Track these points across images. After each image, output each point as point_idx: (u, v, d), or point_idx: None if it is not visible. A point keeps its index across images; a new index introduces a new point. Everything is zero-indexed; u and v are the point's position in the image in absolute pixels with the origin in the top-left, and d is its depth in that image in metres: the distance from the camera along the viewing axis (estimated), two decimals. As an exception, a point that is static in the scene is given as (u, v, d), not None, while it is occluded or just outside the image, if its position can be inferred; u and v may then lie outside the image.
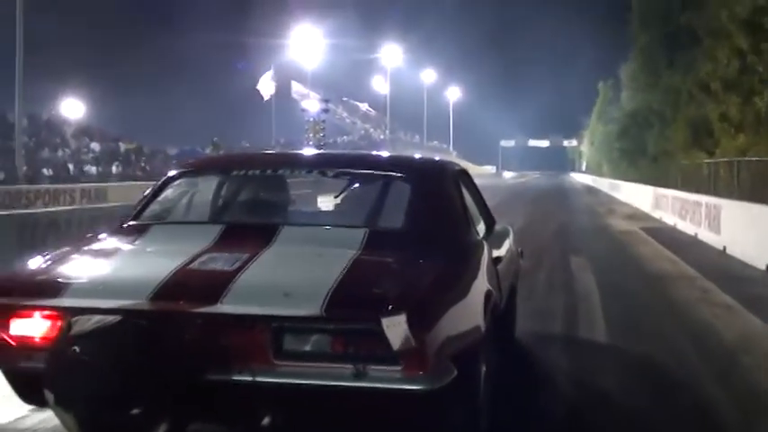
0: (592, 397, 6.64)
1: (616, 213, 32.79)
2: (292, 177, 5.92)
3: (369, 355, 3.82)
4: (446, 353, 4.01)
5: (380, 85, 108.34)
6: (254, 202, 5.72)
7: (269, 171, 5.88)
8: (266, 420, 3.97)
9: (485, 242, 5.89)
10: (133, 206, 5.61)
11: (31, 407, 5.68)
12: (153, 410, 3.73)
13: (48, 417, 5.67)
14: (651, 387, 6.89)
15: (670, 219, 26.37)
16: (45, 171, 41.16)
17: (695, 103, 33.02)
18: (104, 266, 4.52)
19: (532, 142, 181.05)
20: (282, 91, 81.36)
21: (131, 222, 5.37)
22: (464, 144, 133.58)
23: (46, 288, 4.20)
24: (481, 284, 5.14)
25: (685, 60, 36.72)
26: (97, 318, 3.74)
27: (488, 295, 5.18)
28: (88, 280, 4.29)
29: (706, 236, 19.92)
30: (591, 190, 65.68)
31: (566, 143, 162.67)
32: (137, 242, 4.95)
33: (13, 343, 4.18)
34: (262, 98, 68.58)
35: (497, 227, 6.98)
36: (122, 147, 52.57)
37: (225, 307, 3.88)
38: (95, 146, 50.27)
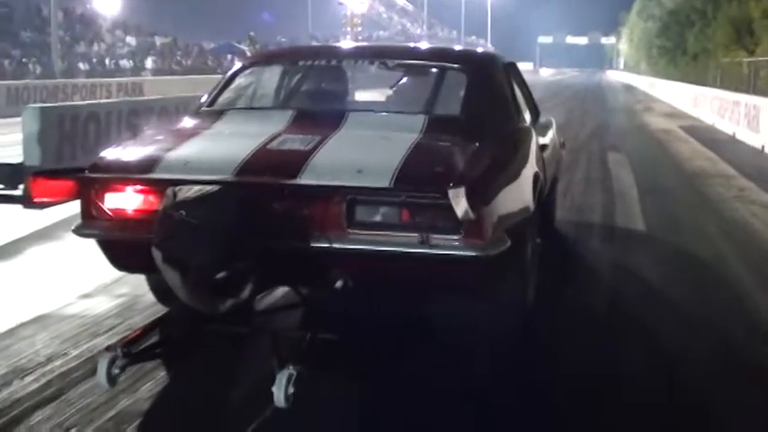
0: (631, 287, 6.74)
1: (654, 111, 32.49)
2: (354, 68, 6.30)
3: (432, 225, 4.19)
4: (500, 225, 4.46)
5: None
6: (320, 90, 6.17)
7: (334, 62, 6.24)
8: (339, 284, 4.39)
9: (532, 129, 6.32)
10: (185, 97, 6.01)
11: (77, 294, 6.15)
12: (244, 271, 4.17)
13: (92, 305, 5.99)
14: (689, 281, 6.99)
15: (708, 118, 26.12)
16: (81, 65, 41.20)
17: (737, 1, 32.40)
18: (189, 146, 4.83)
19: (570, 39, 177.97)
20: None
21: (206, 108, 5.77)
22: (502, 40, 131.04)
23: (140, 164, 4.59)
24: (530, 167, 5.60)
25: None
26: (199, 186, 4.08)
27: (536, 178, 5.67)
28: (176, 157, 4.58)
29: (744, 135, 19.78)
30: (629, 88, 64.82)
31: (604, 40, 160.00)
32: (215, 125, 5.36)
33: (110, 215, 4.63)
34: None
35: (541, 119, 7.27)
36: (158, 41, 52.38)
37: (303, 181, 4.25)
38: (131, 40, 50.10)
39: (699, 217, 10.01)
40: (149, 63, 46.66)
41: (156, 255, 3.91)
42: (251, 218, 4.14)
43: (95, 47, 46.05)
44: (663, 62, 53.64)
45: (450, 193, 4.00)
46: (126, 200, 4.60)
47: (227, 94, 5.97)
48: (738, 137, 20.36)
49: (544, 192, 6.23)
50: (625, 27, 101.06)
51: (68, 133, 11.31)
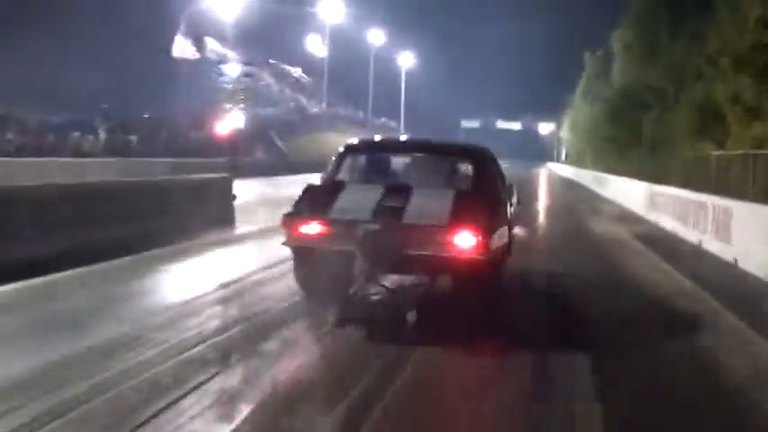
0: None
1: (602, 214, 33.01)
2: (409, 156, 14.20)
3: (462, 243, 10.67)
4: (493, 246, 10.89)
5: (317, 47, 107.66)
6: (391, 170, 13.64)
7: (397, 152, 14.51)
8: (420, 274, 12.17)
9: (506, 193, 13.85)
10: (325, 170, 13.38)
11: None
12: (382, 266, 11.11)
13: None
14: None
15: (668, 222, 26.32)
16: None
17: (703, 82, 33.02)
18: (339, 201, 11.57)
19: (501, 124, 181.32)
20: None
21: (338, 178, 12.86)
22: (418, 123, 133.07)
23: (320, 209, 11.35)
24: (506, 216, 12.53)
25: (693, 29, 36.73)
26: (368, 225, 10.78)
27: (509, 222, 12.77)
28: (337, 208, 11.38)
29: (712, 245, 19.82)
30: (571, 184, 66.02)
31: (542, 127, 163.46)
32: (345, 191, 12.05)
33: (303, 234, 11.29)
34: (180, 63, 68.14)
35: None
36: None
37: (405, 221, 10.93)
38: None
39: (665, 361, 9.64)
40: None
41: (359, 254, 10.68)
42: (385, 239, 10.68)
43: None
44: (613, 154, 54.53)
45: (472, 228, 10.66)
46: (309, 228, 11.24)
47: (343, 169, 13.20)
48: (705, 247, 20.41)
49: (512, 229, 13.85)
50: (568, 112, 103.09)
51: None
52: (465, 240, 10.69)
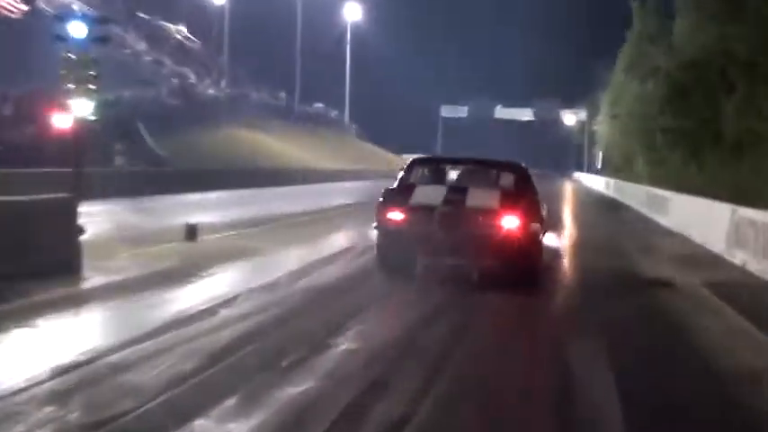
0: None
1: (659, 253, 33.49)
2: (461, 166, 31.56)
3: (508, 225, 25.07)
4: (532, 231, 25.77)
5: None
6: (449, 176, 30.92)
7: (452, 163, 32.79)
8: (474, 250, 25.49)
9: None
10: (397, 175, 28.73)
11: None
12: (448, 243, 25.24)
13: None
14: None
15: (761, 266, 26.54)
16: None
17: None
18: (415, 195, 26.12)
19: (503, 112, 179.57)
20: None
21: (408, 183, 27.61)
22: (370, 112, 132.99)
23: (402, 200, 26.05)
24: (541, 212, 27.86)
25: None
26: (440, 208, 25.39)
27: (542, 218, 27.90)
28: (414, 198, 25.94)
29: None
30: (613, 206, 66.17)
31: (567, 116, 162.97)
32: (417, 189, 26.71)
33: (390, 219, 26.00)
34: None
35: None
36: None
37: (467, 206, 25.70)
38: None
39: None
40: None
41: (438, 230, 24.96)
42: (452, 222, 25.18)
43: None
44: (676, 157, 54.21)
45: (516, 213, 25.02)
46: (395, 214, 25.67)
47: (412, 176, 28.31)
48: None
49: (544, 224, 28.46)
50: (605, 94, 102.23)
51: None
52: (511, 222, 23.31)
